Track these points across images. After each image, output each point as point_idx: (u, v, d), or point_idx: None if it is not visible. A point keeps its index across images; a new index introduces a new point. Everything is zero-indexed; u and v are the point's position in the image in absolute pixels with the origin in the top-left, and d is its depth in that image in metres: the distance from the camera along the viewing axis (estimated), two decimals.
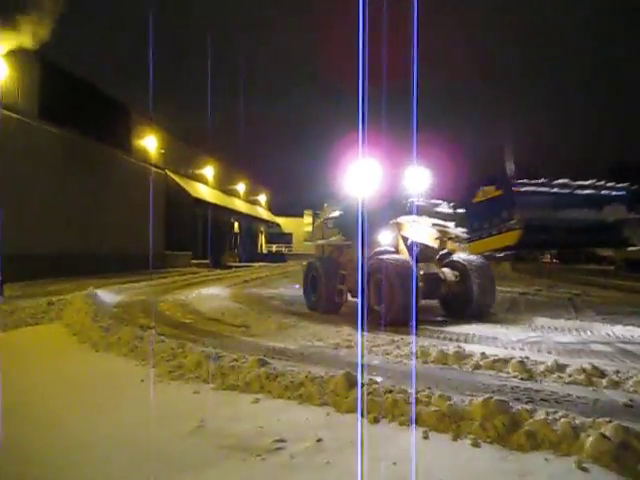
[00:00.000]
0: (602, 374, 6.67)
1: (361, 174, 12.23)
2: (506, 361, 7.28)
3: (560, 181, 10.99)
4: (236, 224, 54.86)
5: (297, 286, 17.24)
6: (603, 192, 11.16)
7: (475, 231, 10.92)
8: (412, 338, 9.07)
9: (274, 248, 67.89)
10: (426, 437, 4.80)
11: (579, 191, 10.96)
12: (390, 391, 5.66)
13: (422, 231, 11.70)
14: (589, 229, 10.95)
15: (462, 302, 11.94)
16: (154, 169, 35.94)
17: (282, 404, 5.75)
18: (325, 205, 15.28)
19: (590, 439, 4.42)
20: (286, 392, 5.99)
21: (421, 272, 11.59)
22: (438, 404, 5.27)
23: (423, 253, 11.87)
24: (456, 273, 12.02)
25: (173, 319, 12.16)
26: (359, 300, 11.10)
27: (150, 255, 32.06)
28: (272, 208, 72.91)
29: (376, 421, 5.20)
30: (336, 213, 13.97)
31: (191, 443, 4.72)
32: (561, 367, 6.94)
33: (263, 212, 68.51)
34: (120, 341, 8.62)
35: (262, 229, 66.89)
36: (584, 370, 6.72)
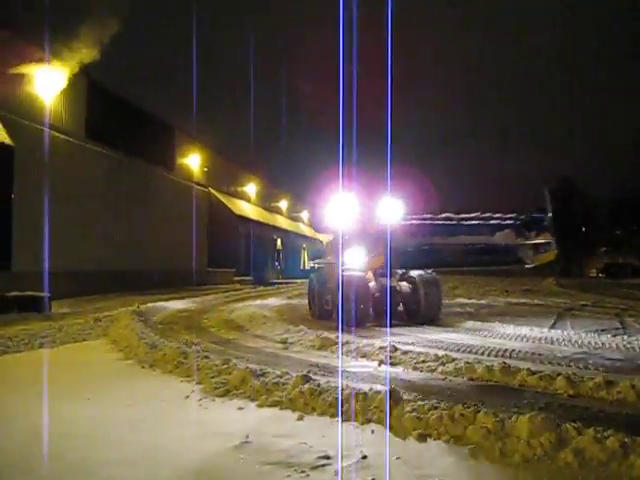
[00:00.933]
0: None
1: (339, 207, 14.80)
2: (552, 378, 7.18)
3: (443, 215, 14.52)
4: (279, 241, 55.07)
5: None
6: (492, 222, 16.67)
7: (368, 254, 14.76)
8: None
9: (316, 265, 67.68)
10: (473, 455, 4.76)
11: (465, 222, 16.52)
12: (435, 408, 5.63)
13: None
14: (482, 250, 17.75)
15: (414, 309, 14.29)
16: (197, 187, 36.40)
17: (326, 421, 5.75)
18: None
19: None
20: (330, 409, 5.99)
21: (373, 284, 14.48)
22: (484, 421, 5.22)
23: (384, 269, 14.61)
24: (410, 285, 14.41)
25: (217, 335, 12.24)
26: (340, 308, 13.12)
27: (193, 272, 32.40)
28: (314, 225, 73.09)
29: (422, 438, 5.17)
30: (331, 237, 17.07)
31: (236, 459, 4.75)
32: (610, 384, 6.82)
33: (305, 229, 68.71)
34: (165, 357, 8.71)
35: (304, 246, 66.99)
36: (633, 387, 6.59)
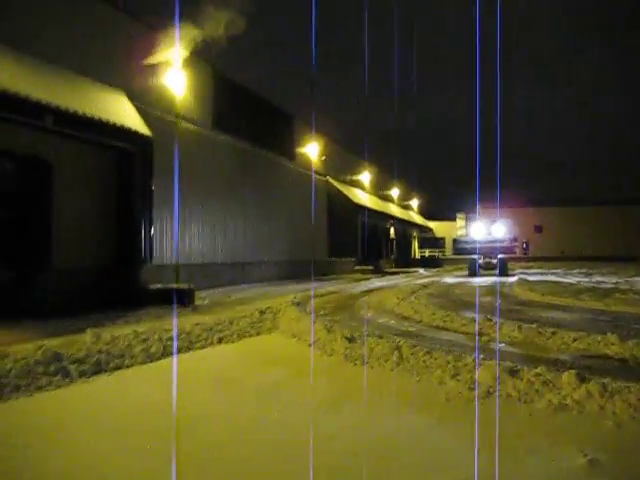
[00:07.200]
0: None
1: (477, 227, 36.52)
2: None
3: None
4: (392, 229, 54.08)
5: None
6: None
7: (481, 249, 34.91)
8: None
9: (427, 253, 66.08)
10: None
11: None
12: None
13: None
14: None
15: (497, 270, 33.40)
16: (317, 176, 35.75)
17: None
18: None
19: None
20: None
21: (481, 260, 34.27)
22: None
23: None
24: (495, 260, 33.66)
25: (393, 327, 11.33)
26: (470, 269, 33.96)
27: (314, 261, 31.89)
28: (424, 212, 71.84)
29: None
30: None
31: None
32: None
33: (416, 216, 67.49)
34: (373, 353, 7.87)
35: (415, 234, 65.76)
36: None
